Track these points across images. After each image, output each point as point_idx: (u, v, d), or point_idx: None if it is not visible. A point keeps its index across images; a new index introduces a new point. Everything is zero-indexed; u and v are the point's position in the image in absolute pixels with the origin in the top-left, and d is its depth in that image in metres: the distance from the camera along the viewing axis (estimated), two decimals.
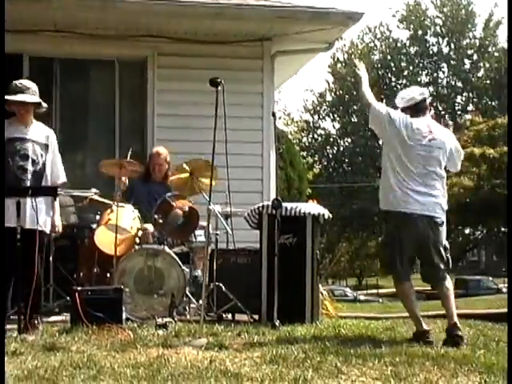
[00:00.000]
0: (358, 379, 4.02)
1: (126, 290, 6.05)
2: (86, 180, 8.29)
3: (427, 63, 48.37)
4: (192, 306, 6.67)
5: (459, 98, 49.03)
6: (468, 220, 39.50)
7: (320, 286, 7.02)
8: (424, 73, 48.71)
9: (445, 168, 5.58)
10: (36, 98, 5.66)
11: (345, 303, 15.19)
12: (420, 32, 48.43)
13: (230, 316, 6.56)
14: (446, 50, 48.48)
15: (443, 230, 5.50)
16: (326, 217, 6.60)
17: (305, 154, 43.37)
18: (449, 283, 5.46)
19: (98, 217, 7.02)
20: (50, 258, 6.64)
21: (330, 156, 48.79)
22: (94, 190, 7.22)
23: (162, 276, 6.43)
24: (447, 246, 5.55)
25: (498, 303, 13.24)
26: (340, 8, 8.52)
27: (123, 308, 5.75)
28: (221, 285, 6.48)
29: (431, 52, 48.54)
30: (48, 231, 5.74)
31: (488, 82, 47.19)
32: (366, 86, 5.70)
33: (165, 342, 4.91)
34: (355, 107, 46.24)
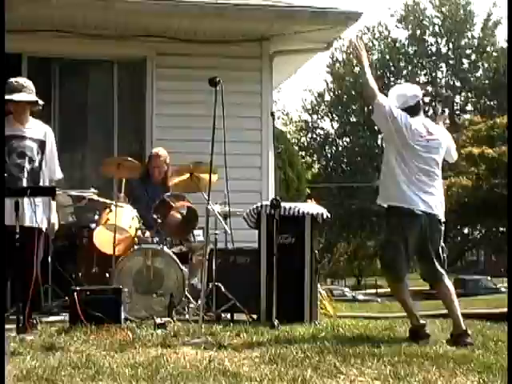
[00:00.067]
0: (357, 379, 4.02)
1: (125, 289, 6.04)
2: (84, 180, 8.29)
3: (426, 63, 48.33)
4: (191, 305, 6.66)
5: (458, 97, 49.05)
6: (467, 220, 39.51)
7: (319, 285, 7.03)
8: (423, 72, 48.66)
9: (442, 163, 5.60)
10: (32, 97, 5.65)
11: (343, 303, 15.16)
12: (418, 32, 48.36)
13: (228, 316, 6.55)
14: (444, 49, 48.41)
15: (442, 229, 5.52)
16: (325, 217, 6.59)
17: (304, 153, 43.52)
18: (448, 281, 5.47)
19: (96, 217, 7.02)
20: (49, 258, 6.64)
21: (329, 156, 48.72)
22: (92, 189, 7.22)
23: (161, 276, 6.43)
24: (444, 246, 5.57)
25: (496, 303, 13.23)
26: (338, 8, 8.52)
27: (122, 308, 5.75)
28: (220, 285, 6.47)
29: (430, 52, 48.45)
30: (44, 229, 5.71)
31: (487, 81, 47.19)
32: (369, 73, 5.56)
33: (164, 341, 4.92)
34: (354, 107, 46.22)
